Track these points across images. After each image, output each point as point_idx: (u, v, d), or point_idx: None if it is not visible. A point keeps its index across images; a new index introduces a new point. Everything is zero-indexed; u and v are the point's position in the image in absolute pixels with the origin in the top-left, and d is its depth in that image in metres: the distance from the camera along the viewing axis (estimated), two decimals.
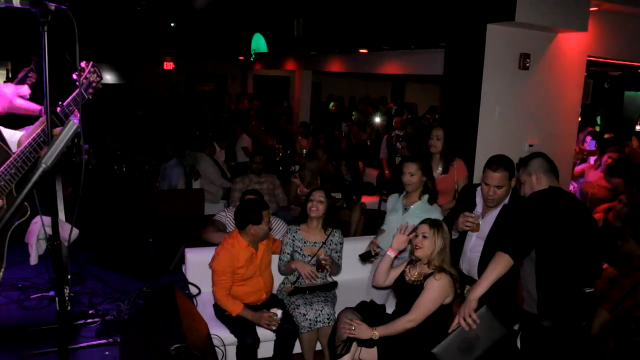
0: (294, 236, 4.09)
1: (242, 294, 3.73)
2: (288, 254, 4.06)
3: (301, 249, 4.05)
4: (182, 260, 4.24)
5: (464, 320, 2.90)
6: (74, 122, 1.66)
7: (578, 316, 2.96)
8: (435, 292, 3.18)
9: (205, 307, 3.82)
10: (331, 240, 4.11)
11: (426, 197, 3.98)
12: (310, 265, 3.93)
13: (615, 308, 3.47)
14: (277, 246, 4.12)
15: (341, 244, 4.15)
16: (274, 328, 3.58)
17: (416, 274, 3.34)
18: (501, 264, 2.88)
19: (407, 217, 3.89)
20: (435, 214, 3.80)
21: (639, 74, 9.72)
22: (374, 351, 3.23)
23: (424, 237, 3.27)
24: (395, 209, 4.09)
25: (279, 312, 3.60)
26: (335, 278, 4.18)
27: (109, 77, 15.13)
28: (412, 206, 3.98)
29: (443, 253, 3.26)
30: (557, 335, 2.89)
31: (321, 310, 3.77)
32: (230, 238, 3.77)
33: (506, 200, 3.41)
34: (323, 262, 3.87)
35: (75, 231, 3.50)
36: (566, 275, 2.89)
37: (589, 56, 6.02)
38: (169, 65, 16.01)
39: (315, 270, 3.90)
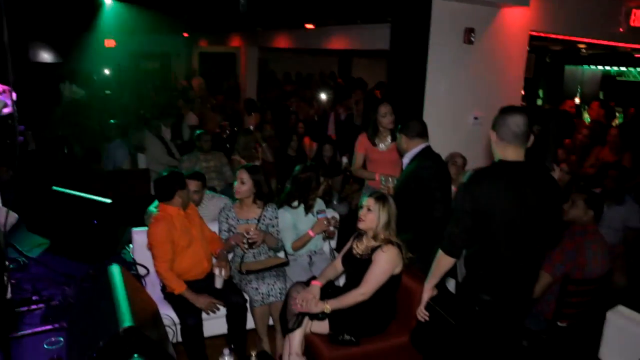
0: (227, 214, 4.07)
1: (184, 269, 3.72)
2: (225, 231, 4.05)
3: (235, 228, 4.04)
4: (129, 241, 4.15)
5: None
6: None
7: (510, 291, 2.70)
8: (384, 264, 3.23)
9: (154, 287, 3.76)
10: (265, 216, 4.09)
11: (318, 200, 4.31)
12: (241, 236, 3.92)
13: (556, 271, 3.59)
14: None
15: (276, 217, 4.12)
16: (212, 314, 3.61)
17: (364, 247, 3.38)
18: (442, 262, 2.79)
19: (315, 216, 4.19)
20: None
21: (579, 49, 10.02)
22: (325, 324, 3.27)
23: (369, 210, 3.30)
24: (299, 220, 4.19)
25: (222, 273, 3.69)
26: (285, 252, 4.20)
27: (46, 56, 14.40)
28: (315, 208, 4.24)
29: (389, 227, 3.30)
30: (494, 309, 2.72)
31: (273, 285, 3.80)
32: (158, 212, 3.80)
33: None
34: (248, 238, 3.87)
35: (14, 215, 3.35)
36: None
37: (531, 31, 6.16)
38: (110, 43, 15.42)
39: (247, 241, 3.89)
